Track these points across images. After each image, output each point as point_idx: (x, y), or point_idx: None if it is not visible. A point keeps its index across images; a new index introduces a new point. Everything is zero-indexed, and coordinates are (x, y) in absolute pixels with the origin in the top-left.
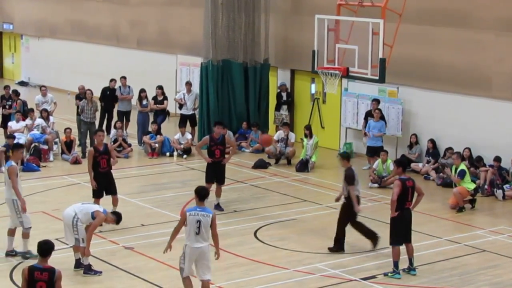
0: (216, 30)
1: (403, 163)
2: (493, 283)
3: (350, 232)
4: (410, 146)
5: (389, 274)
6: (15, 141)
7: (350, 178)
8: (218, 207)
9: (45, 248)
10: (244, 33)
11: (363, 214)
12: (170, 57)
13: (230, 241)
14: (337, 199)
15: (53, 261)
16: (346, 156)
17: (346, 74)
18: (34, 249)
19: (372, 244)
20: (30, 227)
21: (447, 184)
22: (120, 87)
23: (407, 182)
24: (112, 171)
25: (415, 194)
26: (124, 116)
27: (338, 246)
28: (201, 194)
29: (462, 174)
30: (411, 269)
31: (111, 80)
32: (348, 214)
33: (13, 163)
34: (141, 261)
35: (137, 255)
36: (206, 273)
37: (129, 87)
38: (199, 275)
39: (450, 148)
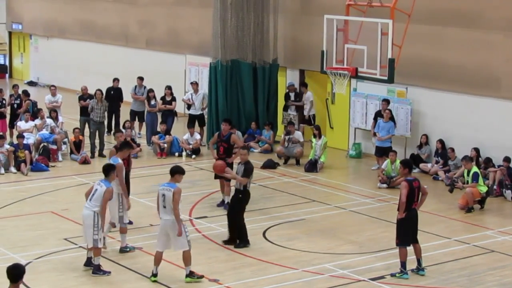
0: (225, 30)
1: (409, 164)
2: (502, 284)
3: (359, 233)
4: (420, 146)
5: (397, 275)
6: (24, 142)
7: (251, 171)
8: (226, 205)
9: (14, 273)
10: (253, 33)
11: (373, 215)
12: (179, 57)
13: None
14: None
15: (63, 260)
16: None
17: (355, 75)
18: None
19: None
20: (129, 223)
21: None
22: (136, 86)
23: (413, 183)
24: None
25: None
26: (137, 116)
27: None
28: (172, 170)
29: (476, 177)
30: (419, 269)
31: (114, 80)
32: (242, 208)
33: (120, 160)
34: (150, 261)
35: (146, 255)
36: (180, 245)
37: (144, 87)
38: (174, 248)
39: (451, 148)
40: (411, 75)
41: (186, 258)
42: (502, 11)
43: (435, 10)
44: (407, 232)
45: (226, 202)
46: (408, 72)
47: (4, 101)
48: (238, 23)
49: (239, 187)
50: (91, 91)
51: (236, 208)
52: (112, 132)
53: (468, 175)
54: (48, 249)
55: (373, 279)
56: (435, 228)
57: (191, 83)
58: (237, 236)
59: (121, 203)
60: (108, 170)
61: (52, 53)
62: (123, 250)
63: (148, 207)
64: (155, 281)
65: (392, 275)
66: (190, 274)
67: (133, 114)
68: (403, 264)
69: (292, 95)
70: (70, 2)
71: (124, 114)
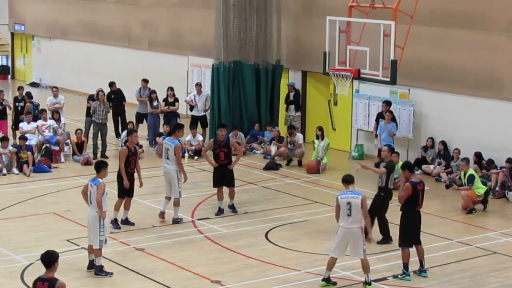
0: (227, 31)
1: (408, 166)
2: (504, 285)
3: None
4: (425, 149)
5: (399, 276)
6: (26, 143)
7: (390, 168)
8: (232, 208)
9: (46, 259)
10: (256, 34)
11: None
12: (181, 58)
13: (241, 242)
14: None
15: (65, 262)
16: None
17: (358, 76)
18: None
19: (383, 242)
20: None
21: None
22: (140, 89)
23: (418, 186)
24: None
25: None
26: (144, 118)
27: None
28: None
29: (471, 180)
30: (422, 271)
31: (112, 84)
32: (385, 204)
33: (178, 142)
34: (152, 262)
35: (148, 256)
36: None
37: (149, 89)
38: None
39: (456, 149)
40: (413, 76)
41: (364, 264)
42: (505, 13)
43: (438, 12)
44: (409, 233)
45: (231, 204)
46: (410, 74)
47: (4, 102)
48: (240, 24)
49: (382, 185)
50: (93, 92)
51: (379, 205)
52: (122, 137)
53: (464, 177)
54: None
55: (375, 281)
56: (437, 229)
57: (196, 84)
58: (381, 232)
59: (179, 179)
60: (98, 167)
61: (54, 54)
62: (176, 221)
63: (150, 208)
64: None
65: (395, 276)
66: (327, 279)
67: (139, 116)
68: (406, 266)
69: (291, 94)
70: (72, 3)
71: (129, 116)
